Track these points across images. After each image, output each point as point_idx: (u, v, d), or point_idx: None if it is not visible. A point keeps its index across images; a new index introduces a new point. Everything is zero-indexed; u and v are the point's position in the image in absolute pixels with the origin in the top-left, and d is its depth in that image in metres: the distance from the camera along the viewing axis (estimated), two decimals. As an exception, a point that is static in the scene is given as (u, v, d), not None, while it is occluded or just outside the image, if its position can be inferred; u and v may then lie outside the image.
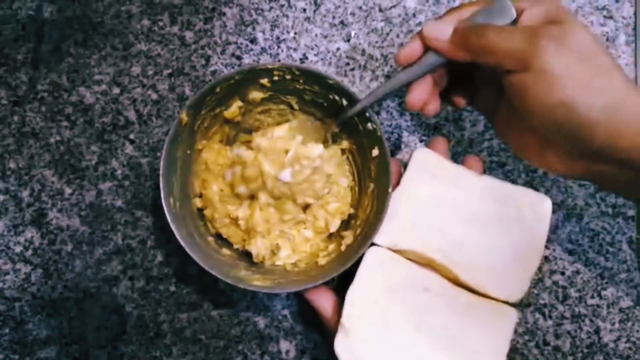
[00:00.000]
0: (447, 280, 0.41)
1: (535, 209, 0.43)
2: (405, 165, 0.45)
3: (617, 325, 0.48)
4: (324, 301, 0.43)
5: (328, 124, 0.48)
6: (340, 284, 0.47)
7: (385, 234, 0.41)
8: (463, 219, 0.42)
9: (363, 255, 0.41)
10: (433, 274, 0.41)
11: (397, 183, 0.44)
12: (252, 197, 0.46)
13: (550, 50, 0.34)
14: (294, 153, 0.43)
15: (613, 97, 0.34)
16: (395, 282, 0.40)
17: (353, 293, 0.40)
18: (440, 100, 0.43)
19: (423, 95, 0.41)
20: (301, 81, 0.46)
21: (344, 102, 0.45)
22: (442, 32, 0.39)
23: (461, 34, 0.38)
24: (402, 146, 0.51)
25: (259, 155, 0.44)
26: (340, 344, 0.39)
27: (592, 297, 0.49)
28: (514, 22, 0.37)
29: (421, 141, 0.51)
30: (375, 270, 0.40)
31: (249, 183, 0.45)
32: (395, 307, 0.40)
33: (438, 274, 0.41)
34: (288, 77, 0.45)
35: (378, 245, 0.41)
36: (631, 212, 0.50)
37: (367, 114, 0.44)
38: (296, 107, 0.49)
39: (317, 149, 0.44)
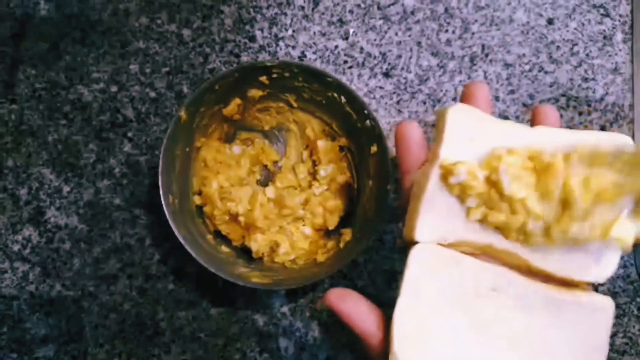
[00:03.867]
0: (516, 272, 0.31)
1: None
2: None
3: (613, 321, 0.49)
4: (359, 314, 0.31)
5: None
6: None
7: (428, 227, 0.31)
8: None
9: (406, 256, 0.31)
10: (499, 267, 0.31)
11: (427, 157, 0.32)
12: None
13: None
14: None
15: None
16: (454, 288, 0.30)
17: (402, 312, 0.29)
18: None
19: None
20: (300, 79, 0.46)
21: (343, 99, 0.45)
22: None
23: None
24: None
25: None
26: None
27: (590, 293, 0.49)
28: None
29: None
30: (425, 275, 0.30)
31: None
32: (458, 318, 0.30)
33: (504, 265, 0.31)
34: (287, 74, 0.45)
35: (422, 244, 0.31)
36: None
37: (365, 111, 0.44)
38: (295, 105, 0.49)
39: None
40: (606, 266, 0.31)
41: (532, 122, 0.34)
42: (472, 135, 0.31)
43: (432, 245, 0.31)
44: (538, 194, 0.29)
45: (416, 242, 0.31)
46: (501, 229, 0.31)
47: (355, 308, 0.31)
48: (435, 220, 0.31)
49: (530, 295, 0.31)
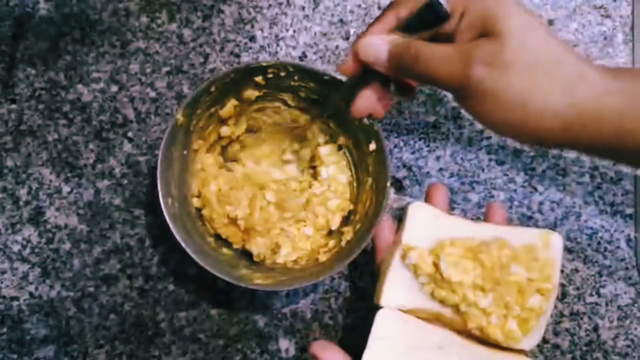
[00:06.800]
0: (459, 335, 0.40)
1: None
2: (398, 218, 0.43)
3: (615, 323, 0.49)
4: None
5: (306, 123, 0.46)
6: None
7: (391, 296, 0.40)
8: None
9: (372, 316, 0.39)
10: (445, 330, 0.40)
11: (394, 240, 0.42)
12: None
13: (483, 72, 0.33)
14: None
15: (561, 100, 0.33)
16: (408, 343, 0.39)
17: None
18: (390, 93, 0.42)
19: (368, 104, 0.41)
20: (296, 78, 0.45)
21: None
22: (377, 50, 0.37)
23: (397, 59, 0.36)
24: (402, 144, 0.51)
25: None
26: None
27: (591, 295, 0.49)
28: (447, 19, 0.35)
29: (420, 139, 0.51)
30: (388, 333, 0.39)
31: None
32: None
33: (449, 329, 0.40)
34: (283, 74, 0.45)
35: (386, 308, 0.39)
36: (629, 210, 0.50)
37: None
38: (292, 104, 0.49)
39: None
40: (533, 337, 0.39)
41: (486, 214, 0.43)
42: (427, 227, 0.40)
43: (394, 310, 0.39)
44: (474, 284, 0.38)
45: (381, 307, 0.39)
46: (445, 302, 0.39)
47: (330, 353, 0.39)
48: (397, 290, 0.40)
49: (471, 355, 0.39)
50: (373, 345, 0.38)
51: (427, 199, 0.43)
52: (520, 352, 0.39)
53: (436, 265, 0.38)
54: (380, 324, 0.39)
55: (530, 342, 0.39)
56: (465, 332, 0.39)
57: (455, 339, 0.39)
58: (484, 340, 0.39)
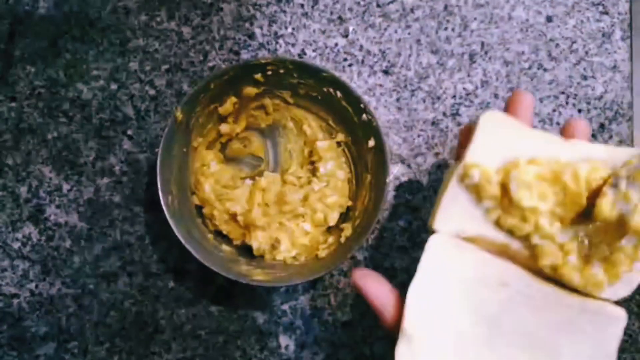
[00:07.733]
0: (529, 273, 0.32)
1: None
2: (465, 131, 0.36)
3: (613, 318, 0.49)
4: (379, 293, 0.33)
5: None
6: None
7: (448, 219, 0.32)
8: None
9: (423, 245, 0.32)
10: (511, 265, 0.32)
11: (459, 157, 0.34)
12: None
13: None
14: None
15: None
16: (465, 276, 0.32)
17: (415, 293, 0.31)
18: None
19: None
20: (295, 75, 0.46)
21: (338, 94, 0.45)
22: None
23: None
24: (401, 141, 0.51)
25: None
26: (402, 355, 0.30)
27: (589, 290, 0.49)
28: None
29: (419, 136, 0.51)
30: (440, 263, 0.32)
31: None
32: (466, 307, 0.32)
33: (517, 264, 0.32)
34: (282, 71, 0.45)
35: (441, 233, 0.33)
36: (627, 206, 0.50)
37: (361, 105, 0.44)
38: (290, 101, 0.49)
39: None
40: (622, 287, 0.31)
41: (564, 134, 0.35)
42: (501, 142, 0.32)
43: (448, 236, 0.32)
44: (552, 212, 0.31)
45: (435, 232, 0.32)
46: (513, 233, 0.32)
47: (374, 287, 0.33)
48: (454, 213, 0.32)
49: (540, 296, 0.31)
50: (422, 276, 0.31)
51: (507, 109, 0.35)
52: (604, 301, 0.31)
53: (505, 187, 0.31)
54: (433, 251, 0.32)
55: (617, 292, 0.31)
56: (535, 270, 0.32)
57: (523, 276, 0.32)
58: (558, 282, 0.32)
